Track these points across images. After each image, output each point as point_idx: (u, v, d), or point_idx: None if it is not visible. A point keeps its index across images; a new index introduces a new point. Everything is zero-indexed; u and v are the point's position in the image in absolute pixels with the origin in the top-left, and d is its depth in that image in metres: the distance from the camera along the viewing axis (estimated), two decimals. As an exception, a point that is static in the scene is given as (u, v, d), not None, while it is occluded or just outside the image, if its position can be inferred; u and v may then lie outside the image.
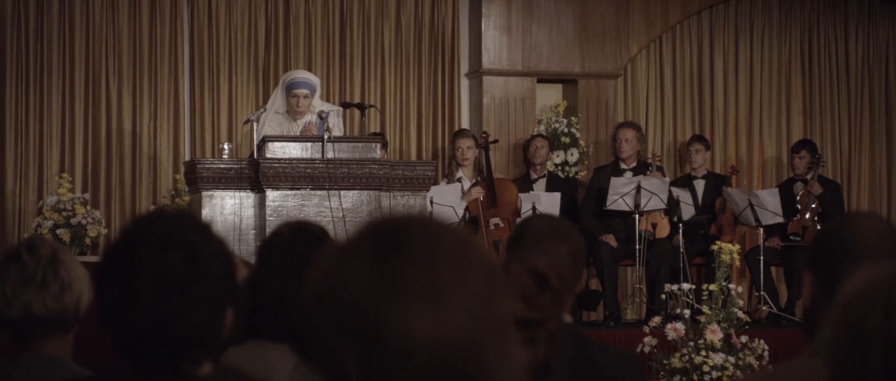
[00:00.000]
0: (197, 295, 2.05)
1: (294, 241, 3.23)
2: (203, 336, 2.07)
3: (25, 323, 2.90)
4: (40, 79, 9.89)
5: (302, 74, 8.27)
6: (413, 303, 1.34)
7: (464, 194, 9.46)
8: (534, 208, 9.52)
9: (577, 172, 10.70)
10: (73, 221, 8.99)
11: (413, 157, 10.56)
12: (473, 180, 9.66)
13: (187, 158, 10.05)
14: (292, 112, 8.05)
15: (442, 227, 1.39)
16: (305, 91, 8.01)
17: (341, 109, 8.50)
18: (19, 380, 2.89)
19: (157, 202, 9.96)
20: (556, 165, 10.57)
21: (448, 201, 9.18)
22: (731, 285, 7.70)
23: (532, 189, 10.10)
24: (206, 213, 7.54)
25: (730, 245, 7.80)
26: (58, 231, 8.94)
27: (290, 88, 8.02)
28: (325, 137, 7.63)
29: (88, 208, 9.22)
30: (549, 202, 9.58)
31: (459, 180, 9.63)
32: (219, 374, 2.11)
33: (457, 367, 1.34)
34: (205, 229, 2.11)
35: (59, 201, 9.07)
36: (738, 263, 7.90)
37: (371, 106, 8.87)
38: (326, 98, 9.77)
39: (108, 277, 2.06)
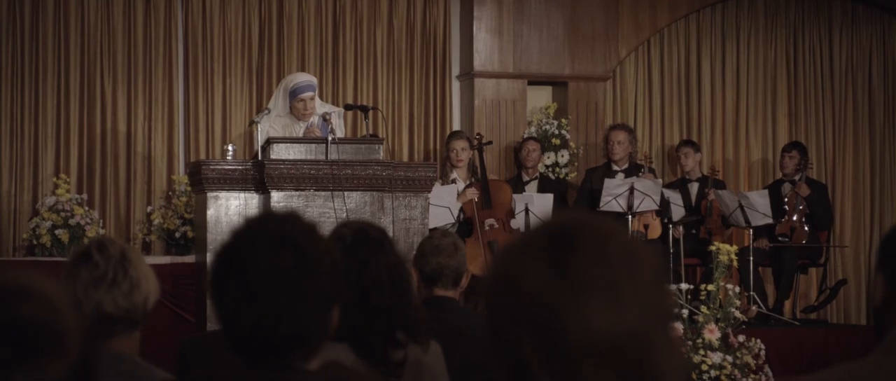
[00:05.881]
0: (308, 293, 2.11)
1: (355, 244, 3.27)
2: (312, 333, 2.14)
3: (97, 321, 2.96)
4: (35, 80, 9.89)
5: (304, 77, 8.29)
6: (591, 297, 1.42)
7: (459, 195, 9.51)
8: (527, 210, 9.61)
9: (567, 174, 10.78)
10: (72, 221, 8.99)
11: (405, 158, 10.61)
12: (467, 182, 9.71)
13: (182, 158, 10.09)
14: (300, 115, 8.09)
15: (612, 225, 1.47)
16: (311, 93, 8.07)
17: (342, 110, 8.54)
18: (92, 377, 2.95)
19: (151, 203, 9.98)
20: (547, 167, 10.65)
21: (443, 201, 9.23)
22: (729, 286, 7.82)
23: (524, 191, 10.17)
24: (211, 213, 7.59)
25: (728, 246, 7.91)
26: (57, 232, 8.94)
27: (296, 94, 8.04)
28: (330, 138, 7.68)
29: (86, 208, 9.23)
30: (541, 204, 9.66)
31: (454, 182, 9.67)
32: (326, 369, 2.18)
33: (630, 357, 1.42)
34: (313, 229, 2.18)
35: (58, 201, 9.07)
36: (736, 263, 8.00)
37: (374, 108, 8.90)
38: (320, 99, 9.82)
39: (223, 276, 2.12)
